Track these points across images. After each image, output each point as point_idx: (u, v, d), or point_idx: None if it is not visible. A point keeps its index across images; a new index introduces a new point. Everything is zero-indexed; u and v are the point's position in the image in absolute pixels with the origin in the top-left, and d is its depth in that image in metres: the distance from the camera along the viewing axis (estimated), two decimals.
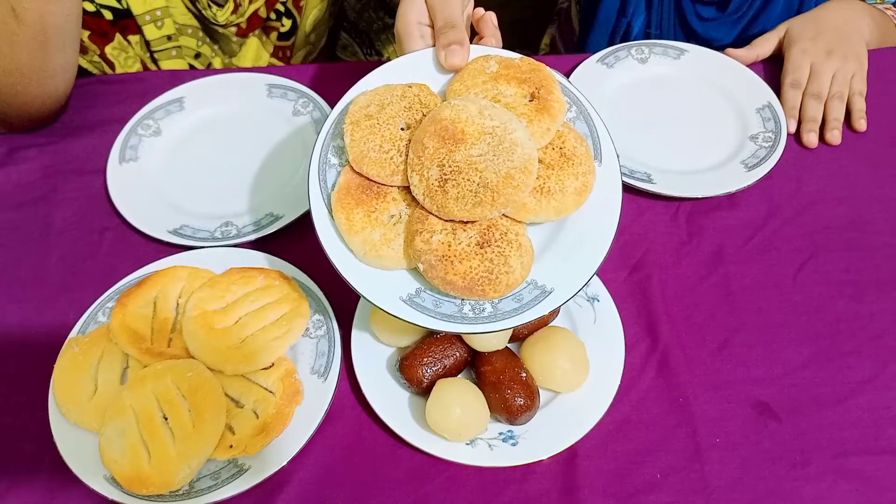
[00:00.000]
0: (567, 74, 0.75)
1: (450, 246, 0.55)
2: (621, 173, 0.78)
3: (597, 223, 0.58)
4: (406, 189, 0.57)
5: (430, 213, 0.56)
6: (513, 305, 0.56)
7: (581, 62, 0.89)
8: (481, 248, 0.55)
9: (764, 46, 0.91)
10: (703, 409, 0.64)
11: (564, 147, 0.58)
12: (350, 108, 0.59)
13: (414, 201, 0.57)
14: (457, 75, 0.61)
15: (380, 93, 0.60)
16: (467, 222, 0.55)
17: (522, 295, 0.56)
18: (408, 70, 0.62)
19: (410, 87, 0.60)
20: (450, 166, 0.55)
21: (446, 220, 0.55)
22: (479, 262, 0.54)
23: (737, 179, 0.77)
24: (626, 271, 0.73)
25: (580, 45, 1.13)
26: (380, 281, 0.56)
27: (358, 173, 0.57)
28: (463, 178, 0.54)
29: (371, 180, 0.57)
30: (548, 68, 0.61)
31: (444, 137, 0.55)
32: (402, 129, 0.58)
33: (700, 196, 0.77)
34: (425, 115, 0.58)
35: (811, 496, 0.60)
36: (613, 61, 0.90)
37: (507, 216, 0.57)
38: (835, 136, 0.83)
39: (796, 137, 0.84)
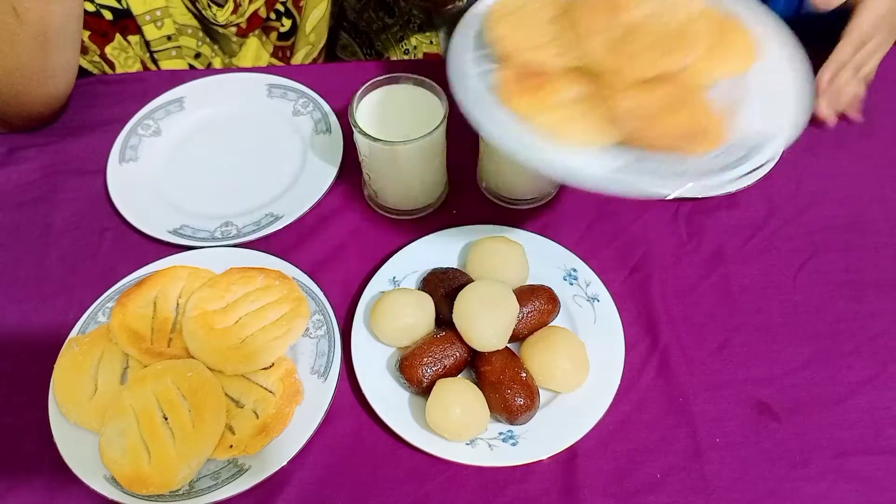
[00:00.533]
0: None
1: (644, 107, 0.53)
2: None
3: (785, 76, 0.57)
4: (574, 70, 0.55)
5: (613, 79, 0.53)
6: (724, 160, 0.53)
7: None
8: (676, 104, 0.53)
9: None
10: (703, 409, 0.64)
11: (724, 19, 0.58)
12: (491, 13, 0.57)
13: (586, 77, 0.55)
14: None
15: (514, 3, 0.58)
16: (651, 83, 0.53)
17: (729, 150, 0.53)
18: None
19: None
20: (623, 29, 0.53)
21: (629, 84, 0.53)
22: (678, 119, 0.52)
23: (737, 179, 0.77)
24: (626, 271, 0.73)
25: None
26: (577, 164, 0.53)
27: (515, 67, 0.55)
28: (640, 36, 0.53)
29: (532, 71, 0.55)
30: None
31: (607, 5, 0.54)
32: (552, 17, 0.57)
33: (700, 196, 0.77)
34: (570, 4, 0.57)
35: (811, 496, 0.60)
36: None
37: (688, 75, 0.55)
38: (854, 114, 0.81)
39: (818, 103, 0.80)
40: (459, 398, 0.60)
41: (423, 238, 0.73)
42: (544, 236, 0.73)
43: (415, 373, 0.62)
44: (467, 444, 0.60)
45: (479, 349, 0.63)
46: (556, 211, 0.78)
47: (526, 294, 0.66)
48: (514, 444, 0.61)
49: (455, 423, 0.59)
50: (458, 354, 0.63)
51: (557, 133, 0.54)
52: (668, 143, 0.53)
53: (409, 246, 0.72)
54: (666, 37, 0.54)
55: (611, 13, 0.54)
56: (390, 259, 0.71)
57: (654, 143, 0.53)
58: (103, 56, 0.90)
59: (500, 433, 0.61)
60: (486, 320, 0.62)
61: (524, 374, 0.62)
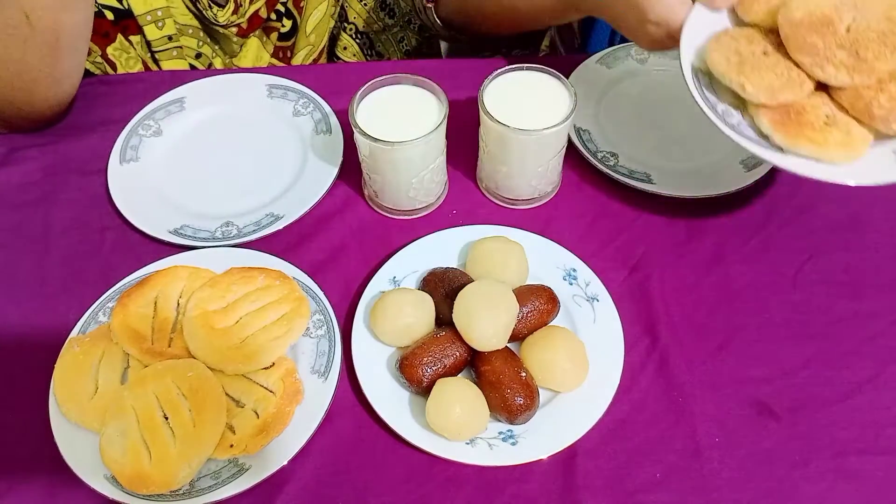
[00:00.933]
0: (567, 75, 0.75)
1: (893, 97, 0.60)
2: (620, 174, 0.78)
3: None
4: (816, 93, 0.63)
5: (860, 87, 0.61)
6: None
7: (581, 63, 0.89)
8: None
9: None
10: (702, 408, 0.64)
11: None
12: (720, 73, 0.63)
13: (829, 93, 0.63)
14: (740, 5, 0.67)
15: (720, 46, 0.64)
16: (885, 80, 0.61)
17: None
18: (703, 29, 0.66)
19: (726, 32, 0.65)
20: (845, 42, 0.60)
21: (875, 84, 0.61)
22: None
23: (737, 179, 0.77)
24: (625, 271, 0.73)
25: (581, 45, 1.13)
26: (868, 168, 0.61)
27: (776, 109, 0.62)
28: (864, 41, 0.60)
29: (791, 108, 0.61)
30: None
31: (818, 29, 0.61)
32: (764, 53, 0.63)
33: (700, 196, 0.77)
34: (771, 38, 0.64)
35: (811, 496, 0.60)
36: (613, 62, 0.90)
37: None
38: None
39: None
40: (459, 398, 0.60)
41: (423, 238, 0.73)
42: (544, 236, 0.73)
43: (415, 372, 0.62)
44: (467, 444, 0.60)
45: (479, 349, 0.63)
46: (556, 211, 0.78)
47: (526, 294, 0.66)
48: (513, 444, 0.61)
49: (455, 422, 0.59)
50: (458, 354, 0.63)
51: (844, 148, 0.61)
52: None
53: (409, 246, 0.73)
54: (882, 37, 0.60)
55: (829, 29, 0.61)
56: (390, 259, 0.72)
57: None
58: (105, 56, 0.90)
59: (500, 433, 0.61)
60: (486, 320, 0.62)
61: (524, 374, 0.62)
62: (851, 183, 0.60)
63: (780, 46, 0.64)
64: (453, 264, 0.72)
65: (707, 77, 0.66)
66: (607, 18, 0.75)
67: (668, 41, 0.68)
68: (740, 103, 0.65)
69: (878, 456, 0.62)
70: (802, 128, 0.61)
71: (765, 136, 0.63)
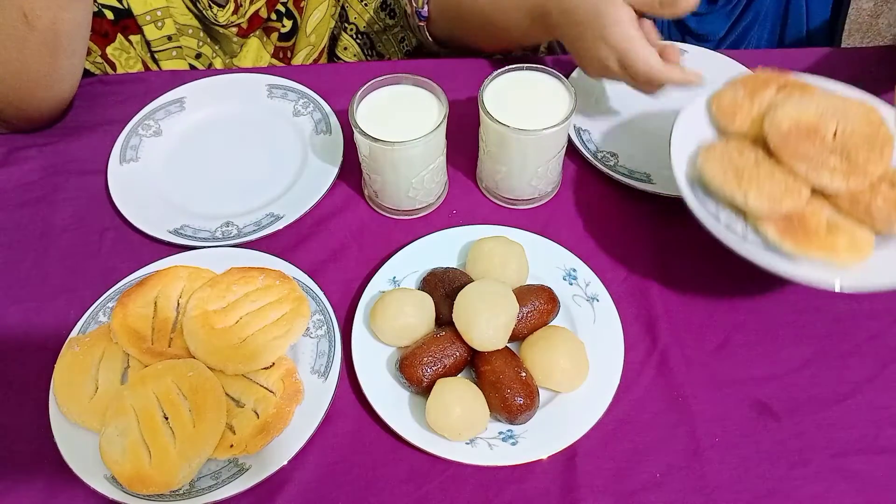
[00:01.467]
0: (567, 75, 0.75)
1: (887, 199, 0.62)
2: (620, 174, 0.78)
3: None
4: (813, 198, 0.64)
5: (855, 191, 0.62)
6: None
7: None
8: None
9: None
10: (702, 408, 0.64)
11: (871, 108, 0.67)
12: (718, 185, 0.64)
13: (826, 198, 0.64)
14: (725, 106, 0.69)
15: (714, 156, 0.65)
16: (874, 184, 0.63)
17: None
18: (690, 139, 0.68)
19: (715, 144, 0.67)
20: (836, 147, 0.63)
21: (868, 188, 0.62)
22: None
23: None
24: (625, 271, 0.73)
25: None
26: (881, 270, 0.62)
27: (779, 217, 0.62)
28: (852, 145, 0.63)
29: (794, 216, 0.62)
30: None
31: (807, 137, 0.63)
32: (756, 163, 0.65)
33: None
34: (761, 145, 0.66)
35: (810, 496, 0.60)
36: None
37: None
38: None
39: None
40: (459, 398, 0.60)
41: (423, 238, 0.73)
42: (544, 236, 0.73)
43: (415, 372, 0.62)
44: (467, 444, 0.60)
45: (479, 349, 0.63)
46: (556, 211, 0.78)
47: (526, 294, 0.66)
48: (513, 444, 0.61)
49: (455, 422, 0.59)
50: (458, 354, 0.63)
51: (853, 252, 0.61)
52: None
53: (409, 246, 0.73)
54: (868, 140, 0.63)
55: (818, 137, 0.63)
56: (390, 259, 0.72)
57: None
58: (104, 56, 0.90)
59: (500, 433, 0.61)
60: (486, 320, 0.62)
61: (524, 374, 0.62)
62: (869, 289, 0.61)
63: (770, 155, 0.65)
64: (453, 264, 0.72)
65: (701, 187, 0.66)
66: (566, 40, 0.76)
67: (616, 68, 0.70)
68: (739, 212, 0.65)
69: (878, 456, 0.62)
70: (809, 236, 0.62)
71: (770, 244, 0.63)
